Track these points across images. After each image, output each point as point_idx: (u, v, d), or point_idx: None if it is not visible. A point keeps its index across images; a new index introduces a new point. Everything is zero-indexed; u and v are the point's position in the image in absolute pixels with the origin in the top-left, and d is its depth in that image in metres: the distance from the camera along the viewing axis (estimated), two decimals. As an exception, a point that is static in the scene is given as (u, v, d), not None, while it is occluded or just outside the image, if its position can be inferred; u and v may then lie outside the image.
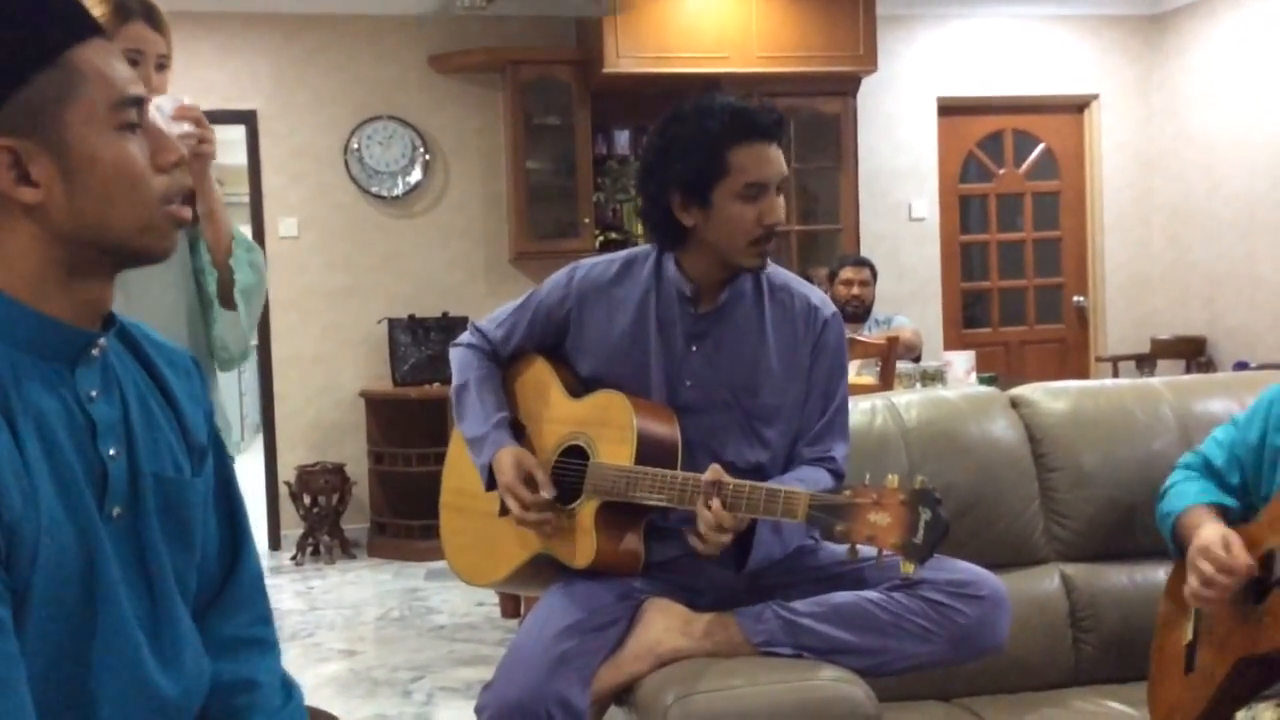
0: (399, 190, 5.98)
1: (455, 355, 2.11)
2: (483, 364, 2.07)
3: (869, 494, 1.55)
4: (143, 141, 1.07)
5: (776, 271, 2.00)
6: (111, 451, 1.07)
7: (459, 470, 2.10)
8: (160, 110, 1.81)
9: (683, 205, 1.87)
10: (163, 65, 1.94)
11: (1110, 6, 6.73)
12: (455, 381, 2.07)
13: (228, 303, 1.97)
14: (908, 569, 1.52)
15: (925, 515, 1.50)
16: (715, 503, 1.68)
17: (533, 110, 5.88)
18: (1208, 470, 1.96)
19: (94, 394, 1.07)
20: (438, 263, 6.07)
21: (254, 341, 2.19)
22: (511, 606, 4.29)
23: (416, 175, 5.99)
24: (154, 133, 1.08)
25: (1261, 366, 5.28)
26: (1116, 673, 2.10)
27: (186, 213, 1.12)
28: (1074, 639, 2.15)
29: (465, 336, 2.13)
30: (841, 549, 1.84)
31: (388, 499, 5.74)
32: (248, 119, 5.79)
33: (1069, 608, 2.16)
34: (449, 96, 6.04)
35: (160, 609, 1.10)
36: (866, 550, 1.59)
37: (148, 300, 1.87)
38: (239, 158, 5.92)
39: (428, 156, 6.00)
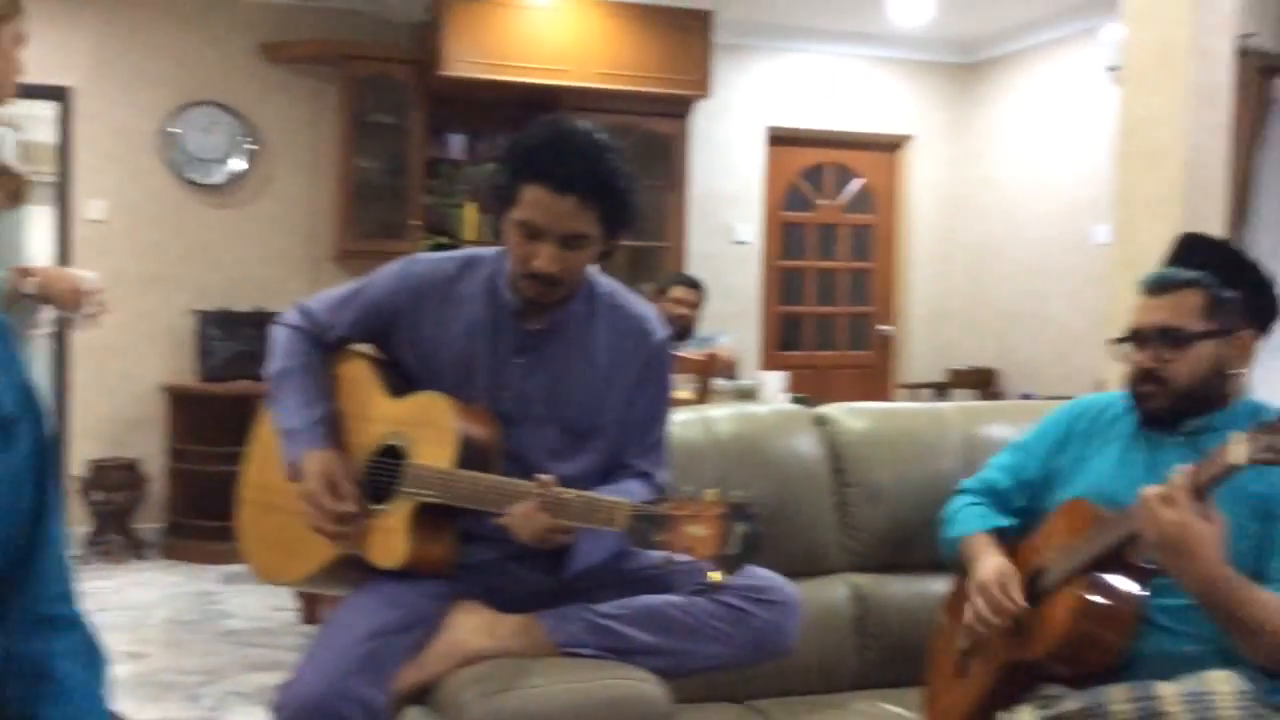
0: (219, 179, 5.78)
1: (279, 335, 2.03)
2: (308, 350, 2.00)
3: (687, 506, 1.59)
4: None
5: (614, 290, 2.01)
6: None
7: (263, 464, 2.04)
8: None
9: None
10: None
11: (928, 53, 7.11)
12: (277, 364, 1.99)
13: None
14: (719, 579, 1.58)
15: (741, 529, 1.55)
16: (530, 506, 1.69)
17: (365, 107, 5.79)
18: (990, 494, 2.10)
19: None
20: (255, 256, 5.89)
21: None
22: (311, 612, 4.20)
23: (239, 164, 5.81)
24: None
25: (1047, 398, 5.66)
26: (896, 677, 2.22)
27: None
28: (859, 645, 2.27)
29: (290, 316, 2.05)
30: (652, 554, 1.89)
31: (188, 498, 5.51)
32: (61, 95, 5.50)
33: (856, 615, 2.28)
34: (279, 86, 5.89)
35: None
36: (681, 559, 1.63)
37: None
38: (47, 135, 5.59)
39: (253, 146, 5.82)
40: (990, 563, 1.88)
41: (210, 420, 5.48)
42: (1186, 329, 1.82)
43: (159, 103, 5.68)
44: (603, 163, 1.80)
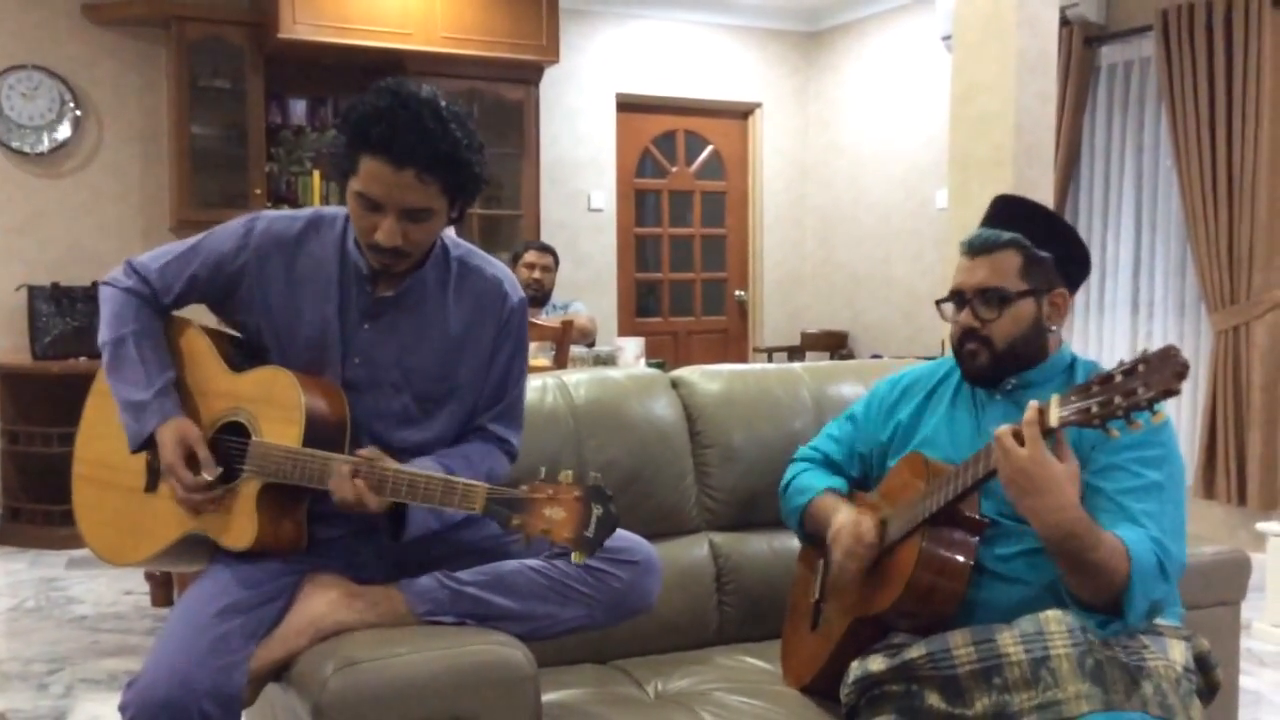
0: (44, 147, 5.47)
1: (109, 297, 1.90)
2: (144, 314, 1.89)
3: (545, 489, 1.61)
4: None
5: (468, 252, 1.97)
6: None
7: (97, 438, 1.94)
8: None
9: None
10: None
11: (773, 20, 7.22)
12: (110, 332, 1.87)
13: None
14: (579, 559, 1.60)
15: (597, 511, 1.59)
16: (359, 482, 1.69)
17: (199, 71, 5.56)
18: (825, 463, 2.16)
19: None
20: (87, 227, 5.60)
21: None
22: (163, 595, 4.06)
23: (65, 131, 5.51)
24: None
25: (895, 358, 5.86)
26: (755, 632, 2.29)
27: None
28: (718, 601, 2.32)
29: (119, 275, 1.92)
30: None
31: (24, 482, 5.25)
32: None
33: (715, 572, 2.33)
34: (105, 49, 5.59)
35: None
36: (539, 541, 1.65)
37: None
38: None
39: (79, 112, 5.53)
40: (844, 513, 1.94)
41: (46, 399, 5.22)
42: (1006, 289, 1.89)
43: (-26, 66, 5.34)
44: (444, 134, 1.72)
